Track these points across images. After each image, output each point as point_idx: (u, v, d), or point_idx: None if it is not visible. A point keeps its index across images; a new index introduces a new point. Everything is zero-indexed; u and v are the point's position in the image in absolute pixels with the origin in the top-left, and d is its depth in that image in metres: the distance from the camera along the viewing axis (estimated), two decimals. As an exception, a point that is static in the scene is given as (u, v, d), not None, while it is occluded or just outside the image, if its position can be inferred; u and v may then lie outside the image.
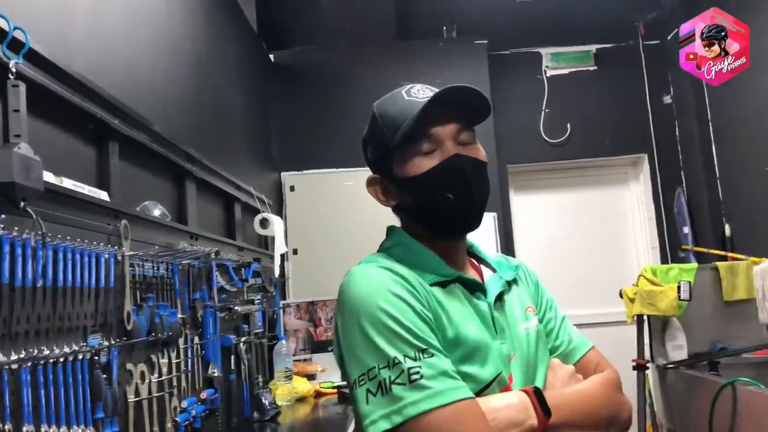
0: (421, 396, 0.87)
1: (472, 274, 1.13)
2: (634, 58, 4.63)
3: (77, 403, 1.36)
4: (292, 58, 4.38)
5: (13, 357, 1.19)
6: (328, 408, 2.85)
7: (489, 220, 4.05)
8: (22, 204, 1.21)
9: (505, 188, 4.49)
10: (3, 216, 1.18)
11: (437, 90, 1.04)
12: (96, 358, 1.44)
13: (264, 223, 3.22)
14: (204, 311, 2.18)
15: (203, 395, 2.08)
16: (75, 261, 1.40)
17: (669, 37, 4.50)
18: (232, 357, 2.51)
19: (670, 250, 4.45)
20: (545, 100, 4.61)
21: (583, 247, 4.63)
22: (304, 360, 3.47)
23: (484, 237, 3.88)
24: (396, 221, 1.18)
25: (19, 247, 1.22)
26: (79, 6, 1.73)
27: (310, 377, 3.27)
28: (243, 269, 2.77)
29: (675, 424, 2.62)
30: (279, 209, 4.03)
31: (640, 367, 2.81)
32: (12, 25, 1.28)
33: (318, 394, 3.10)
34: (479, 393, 0.96)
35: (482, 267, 1.17)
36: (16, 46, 1.31)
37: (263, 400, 2.62)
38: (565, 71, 4.66)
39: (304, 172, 4.17)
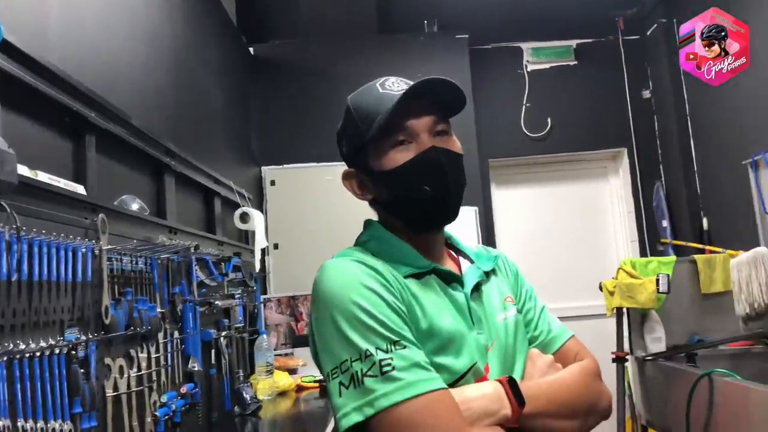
0: (392, 388, 0.87)
1: (450, 265, 1.13)
2: (614, 54, 4.66)
3: (54, 398, 1.34)
4: (272, 51, 4.35)
5: (-12, 352, 1.17)
6: (309, 402, 2.85)
7: (470, 214, 4.07)
8: (-4, 197, 1.19)
9: (486, 182, 4.50)
10: (-24, 209, 1.16)
11: (411, 82, 1.04)
12: (73, 352, 1.43)
13: (244, 217, 3.21)
14: (183, 306, 2.17)
15: (183, 390, 2.06)
16: (51, 255, 1.39)
17: (648, 33, 4.54)
18: (213, 351, 2.50)
19: (649, 243, 4.50)
20: (526, 95, 4.63)
21: (564, 240, 4.66)
22: (286, 354, 3.46)
23: (465, 231, 3.90)
24: (374, 215, 1.17)
25: (-6, 240, 1.20)
26: (54, -3, 1.71)
27: (292, 371, 3.27)
28: (223, 264, 2.75)
29: (653, 415, 2.65)
30: (259, 204, 4.01)
31: (619, 360, 2.84)
32: (-15, 16, 1.26)
33: (299, 389, 3.09)
34: (454, 383, 0.96)
35: (461, 258, 1.17)
36: (-11, 37, 1.29)
37: (244, 395, 2.61)
38: (546, 66, 4.69)
39: (285, 166, 4.15)
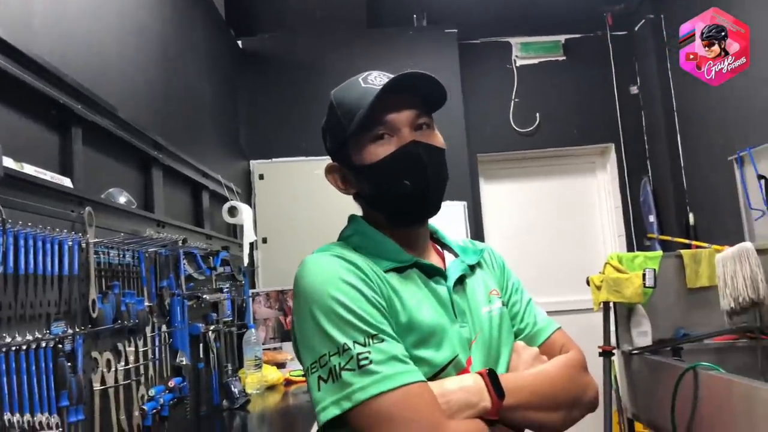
0: (369, 381, 0.87)
1: (434, 259, 1.13)
2: (602, 49, 4.68)
3: (41, 391, 1.34)
4: (260, 45, 4.34)
5: (-26, 345, 1.17)
6: (298, 396, 2.85)
7: (459, 208, 4.08)
8: (-19, 189, 1.18)
9: (475, 177, 4.51)
10: (-39, 201, 1.15)
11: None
12: (60, 345, 1.42)
13: (232, 211, 3.20)
14: (171, 299, 2.16)
15: (171, 383, 2.06)
16: (37, 248, 1.38)
17: (636, 28, 4.56)
18: (201, 345, 2.49)
19: (636, 238, 4.53)
20: (515, 90, 4.64)
21: (552, 235, 4.68)
22: (274, 348, 3.46)
23: (454, 225, 3.91)
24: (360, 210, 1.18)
25: (-21, 233, 1.19)
26: (40, -12, 1.69)
27: (280, 365, 3.26)
28: (211, 257, 2.74)
29: (639, 408, 2.67)
30: (248, 198, 4.00)
31: (606, 353, 2.85)
32: (-30, 6, 1.25)
33: (288, 382, 3.09)
34: (435, 377, 0.96)
35: (446, 252, 1.17)
36: (-26, 27, 1.28)
37: (233, 389, 2.61)
38: (535, 61, 4.70)
39: (273, 160, 4.14)
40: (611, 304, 2.87)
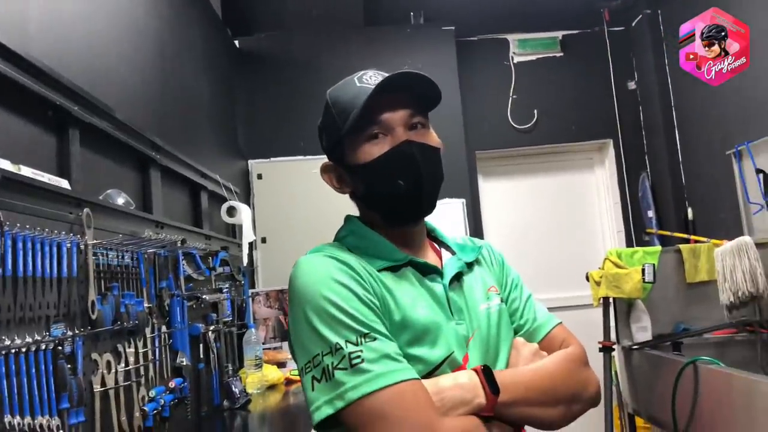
0: (361, 380, 0.87)
1: (431, 257, 1.13)
2: (600, 45, 4.67)
3: (41, 393, 1.34)
4: (257, 44, 4.33)
5: (-27, 348, 1.17)
6: (298, 395, 2.85)
7: (458, 206, 4.08)
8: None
9: (473, 174, 4.51)
10: (-41, 204, 1.15)
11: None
12: (60, 348, 1.42)
13: (231, 211, 3.20)
14: (171, 300, 2.16)
15: (172, 384, 2.06)
16: (36, 250, 1.38)
17: (633, 24, 4.56)
18: (201, 346, 2.49)
19: (635, 233, 4.53)
20: (512, 87, 4.64)
21: (551, 231, 4.68)
22: (274, 348, 3.46)
23: (453, 223, 3.92)
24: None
25: (-23, 236, 1.19)
26: (35, -10, 1.69)
27: (281, 365, 3.27)
28: (210, 258, 2.74)
29: (640, 403, 2.67)
30: (246, 198, 4.00)
31: (606, 349, 2.86)
32: (-35, 9, 1.24)
33: (288, 382, 3.09)
34: (430, 374, 0.96)
35: (443, 250, 1.17)
36: (-31, 30, 1.27)
37: (233, 389, 2.61)
38: (532, 57, 4.69)
39: (272, 159, 4.14)
40: (611, 300, 2.87)
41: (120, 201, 1.96)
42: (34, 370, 1.32)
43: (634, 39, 4.60)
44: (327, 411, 0.88)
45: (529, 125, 4.61)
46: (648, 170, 4.53)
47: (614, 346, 2.87)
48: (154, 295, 2.06)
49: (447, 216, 4.00)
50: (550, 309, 1.21)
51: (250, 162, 4.12)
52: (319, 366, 0.91)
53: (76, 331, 1.51)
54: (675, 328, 2.84)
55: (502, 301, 1.14)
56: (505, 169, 4.79)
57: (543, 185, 4.78)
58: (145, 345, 1.92)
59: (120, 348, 1.76)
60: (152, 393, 1.91)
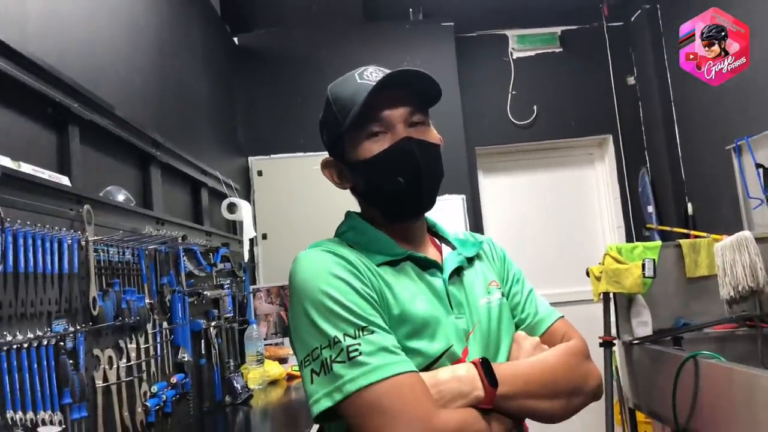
0: (359, 372, 0.88)
1: (431, 252, 1.14)
2: (599, 40, 4.67)
3: (43, 389, 1.34)
4: (256, 41, 4.32)
5: (-25, 344, 1.17)
6: (300, 391, 2.85)
7: (458, 202, 4.08)
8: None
9: (473, 170, 4.51)
10: (-40, 201, 1.16)
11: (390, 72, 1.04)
12: (61, 343, 1.43)
13: (231, 207, 3.20)
14: (172, 296, 2.17)
15: (174, 380, 2.07)
16: (37, 246, 1.38)
17: (633, 19, 4.55)
18: (203, 341, 2.50)
19: (635, 229, 4.53)
20: (512, 83, 4.63)
21: (551, 227, 4.68)
22: (276, 344, 3.47)
23: (453, 219, 3.92)
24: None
25: (-22, 232, 1.20)
26: (35, -14, 1.69)
27: (282, 360, 3.27)
28: (211, 254, 2.74)
29: (640, 398, 2.67)
30: (247, 194, 4.00)
31: (606, 344, 2.86)
32: (-35, 5, 1.25)
33: (290, 377, 3.10)
34: (428, 367, 0.97)
35: (443, 245, 1.18)
36: (-31, 27, 1.27)
37: (235, 384, 2.61)
38: (531, 53, 4.69)
39: (272, 156, 4.14)
40: (611, 295, 2.88)
41: (120, 198, 1.96)
42: (36, 366, 1.33)
43: (633, 34, 4.59)
44: (326, 404, 0.89)
45: (529, 121, 4.61)
46: (648, 165, 4.53)
47: (615, 341, 2.87)
48: (156, 291, 2.06)
49: (447, 212, 4.01)
50: (551, 304, 1.22)
51: (250, 159, 4.12)
52: (317, 359, 0.92)
53: (78, 327, 1.51)
54: (675, 323, 2.84)
55: (503, 295, 1.14)
56: (505, 165, 4.79)
57: (543, 181, 4.78)
58: (146, 341, 1.92)
59: (122, 344, 1.77)
60: (154, 388, 1.92)
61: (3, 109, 1.48)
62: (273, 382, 2.99)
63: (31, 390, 1.31)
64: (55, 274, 1.46)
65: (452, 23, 4.38)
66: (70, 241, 1.52)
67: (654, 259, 2.71)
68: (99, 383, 1.62)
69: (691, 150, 4.12)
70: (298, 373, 3.06)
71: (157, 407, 1.90)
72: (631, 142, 4.61)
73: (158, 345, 2.02)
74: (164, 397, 1.95)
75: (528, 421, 1.04)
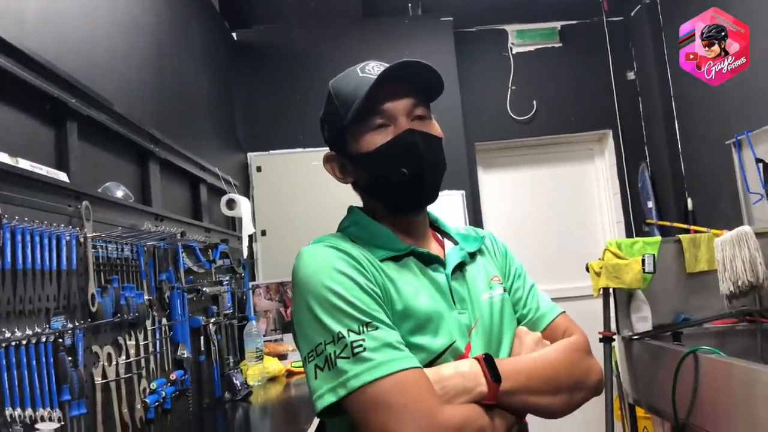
0: (363, 368, 0.88)
1: (433, 247, 1.14)
2: (599, 35, 4.65)
3: (42, 386, 1.34)
4: (255, 36, 4.31)
5: (-27, 340, 1.17)
6: (300, 387, 2.85)
7: (457, 197, 4.07)
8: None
9: (473, 166, 4.50)
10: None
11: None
12: (60, 340, 1.42)
13: (230, 204, 3.19)
14: (171, 292, 2.16)
15: (173, 376, 2.06)
16: (35, 243, 1.38)
17: (632, 14, 4.54)
18: (202, 338, 2.49)
19: (635, 224, 4.53)
20: (511, 78, 4.62)
21: (551, 222, 4.68)
22: (275, 340, 3.47)
23: (452, 214, 3.91)
24: (359, 200, 1.19)
25: (-24, 228, 1.19)
26: (32, -19, 1.68)
27: (282, 357, 3.27)
28: (210, 250, 2.74)
29: (640, 393, 2.68)
30: (246, 190, 3.99)
31: (606, 339, 2.86)
32: (-39, 0, 1.24)
33: (289, 374, 3.10)
34: (431, 363, 0.97)
35: (445, 240, 1.18)
36: (-35, 22, 1.27)
37: (234, 381, 2.61)
38: (531, 48, 4.68)
39: (271, 152, 4.13)
40: (611, 290, 2.87)
41: (119, 194, 1.96)
42: (34, 363, 1.32)
43: (633, 29, 4.58)
44: (330, 399, 0.89)
45: (529, 116, 4.60)
46: (647, 161, 4.53)
47: (614, 337, 2.87)
48: (154, 287, 2.06)
49: (446, 208, 4.00)
50: (551, 299, 1.22)
51: (249, 155, 4.11)
52: (321, 355, 0.92)
53: (77, 324, 1.51)
54: (675, 318, 2.84)
55: (505, 290, 1.14)
56: (505, 160, 4.79)
57: (542, 176, 4.77)
58: (145, 337, 1.92)
59: (120, 340, 1.77)
60: (153, 385, 1.91)
61: (1, 105, 1.47)
62: (272, 379, 2.99)
63: (30, 387, 1.30)
64: (54, 271, 1.45)
65: (451, 18, 4.37)
66: (68, 238, 1.51)
67: (654, 255, 2.71)
68: (98, 380, 1.61)
69: (691, 145, 4.12)
70: (298, 370, 3.08)
71: (157, 404, 1.90)
72: (631, 137, 4.60)
73: (157, 342, 2.02)
74: (163, 393, 1.95)
75: (529, 416, 1.04)
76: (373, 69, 1.07)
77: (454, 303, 1.05)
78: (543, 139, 4.67)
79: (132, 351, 1.81)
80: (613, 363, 2.98)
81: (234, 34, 4.25)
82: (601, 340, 2.85)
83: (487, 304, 1.09)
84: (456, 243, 1.17)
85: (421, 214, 1.15)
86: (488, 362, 0.94)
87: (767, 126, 3.36)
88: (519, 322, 1.13)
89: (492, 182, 4.75)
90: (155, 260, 2.08)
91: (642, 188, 4.48)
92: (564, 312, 1.17)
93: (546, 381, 0.99)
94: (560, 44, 4.68)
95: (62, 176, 1.60)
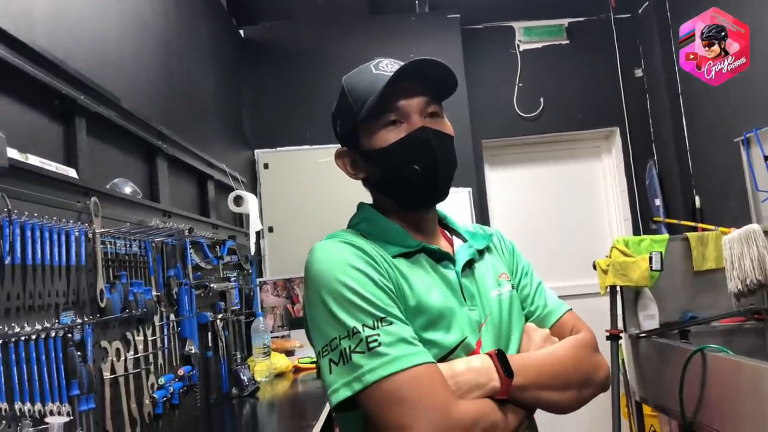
0: (378, 363, 0.89)
1: (442, 244, 1.14)
2: (606, 32, 4.63)
3: (51, 380, 1.35)
4: (262, 33, 4.32)
5: (-16, 335, 1.17)
6: (307, 383, 2.86)
7: (464, 195, 4.07)
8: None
9: (479, 163, 4.50)
10: (-32, 192, 1.16)
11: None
12: (69, 335, 1.43)
13: (238, 200, 3.20)
14: (179, 288, 2.17)
15: (181, 372, 2.08)
16: (44, 238, 1.39)
17: (640, 11, 4.52)
18: (209, 334, 2.50)
19: (642, 221, 4.51)
20: (518, 75, 4.61)
21: (558, 219, 4.67)
22: (282, 336, 3.48)
23: (459, 212, 3.91)
24: (368, 196, 1.19)
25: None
26: (41, -22, 1.69)
27: (289, 353, 3.28)
28: (218, 247, 2.75)
29: (647, 391, 2.67)
30: (253, 187, 4.00)
31: (613, 337, 2.86)
32: (-29, -3, 1.25)
33: (296, 370, 3.11)
34: (444, 358, 0.98)
35: (454, 238, 1.19)
36: (-24, 19, 1.27)
37: (242, 376, 2.62)
38: (538, 45, 4.66)
39: (278, 149, 4.14)
40: (618, 288, 2.87)
41: (127, 190, 1.97)
42: (44, 357, 1.33)
43: (641, 26, 4.56)
44: (345, 393, 0.89)
45: (536, 113, 4.59)
46: (655, 158, 4.51)
47: (621, 335, 2.87)
48: (163, 283, 2.07)
49: (453, 205, 3.98)
50: (558, 297, 1.22)
51: (257, 151, 4.12)
52: (336, 349, 0.92)
53: (86, 319, 1.52)
54: (683, 317, 2.83)
55: (513, 287, 1.15)
56: (512, 157, 4.77)
57: (549, 174, 4.76)
58: (153, 333, 1.93)
59: (129, 336, 1.78)
60: (161, 380, 1.93)
61: (11, 101, 1.48)
62: (279, 375, 3.00)
63: (39, 381, 1.31)
64: (63, 266, 1.47)
65: (458, 15, 4.35)
66: (77, 233, 1.53)
67: (661, 252, 2.70)
68: (107, 375, 1.62)
69: (699, 142, 4.10)
70: (305, 366, 3.09)
71: (164, 399, 1.91)
72: (639, 134, 4.58)
73: (165, 337, 2.03)
74: (171, 389, 1.96)
75: (537, 413, 1.05)
76: (386, 66, 1.08)
77: (465, 299, 1.06)
78: (550, 136, 4.65)
79: (140, 346, 1.83)
80: (620, 361, 2.97)
81: (241, 32, 4.26)
82: (608, 338, 2.84)
83: (496, 300, 1.09)
84: (464, 240, 1.17)
85: (432, 211, 1.16)
86: (501, 358, 0.95)
87: (776, 123, 3.34)
88: (527, 319, 1.14)
89: (499, 179, 4.74)
90: (163, 256, 2.09)
91: (649, 186, 4.47)
92: (571, 309, 1.17)
93: (555, 377, 1.00)
94: (567, 41, 4.67)
95: (71, 172, 1.60)
